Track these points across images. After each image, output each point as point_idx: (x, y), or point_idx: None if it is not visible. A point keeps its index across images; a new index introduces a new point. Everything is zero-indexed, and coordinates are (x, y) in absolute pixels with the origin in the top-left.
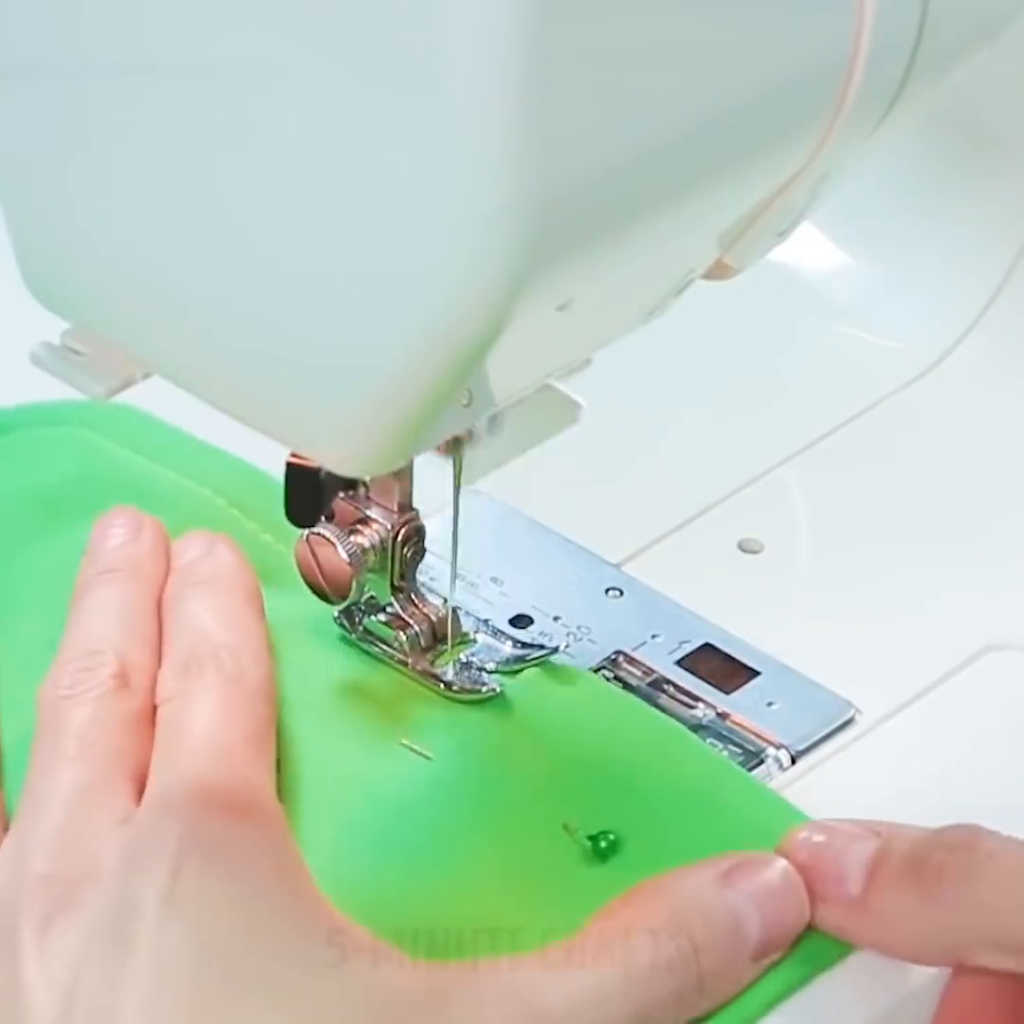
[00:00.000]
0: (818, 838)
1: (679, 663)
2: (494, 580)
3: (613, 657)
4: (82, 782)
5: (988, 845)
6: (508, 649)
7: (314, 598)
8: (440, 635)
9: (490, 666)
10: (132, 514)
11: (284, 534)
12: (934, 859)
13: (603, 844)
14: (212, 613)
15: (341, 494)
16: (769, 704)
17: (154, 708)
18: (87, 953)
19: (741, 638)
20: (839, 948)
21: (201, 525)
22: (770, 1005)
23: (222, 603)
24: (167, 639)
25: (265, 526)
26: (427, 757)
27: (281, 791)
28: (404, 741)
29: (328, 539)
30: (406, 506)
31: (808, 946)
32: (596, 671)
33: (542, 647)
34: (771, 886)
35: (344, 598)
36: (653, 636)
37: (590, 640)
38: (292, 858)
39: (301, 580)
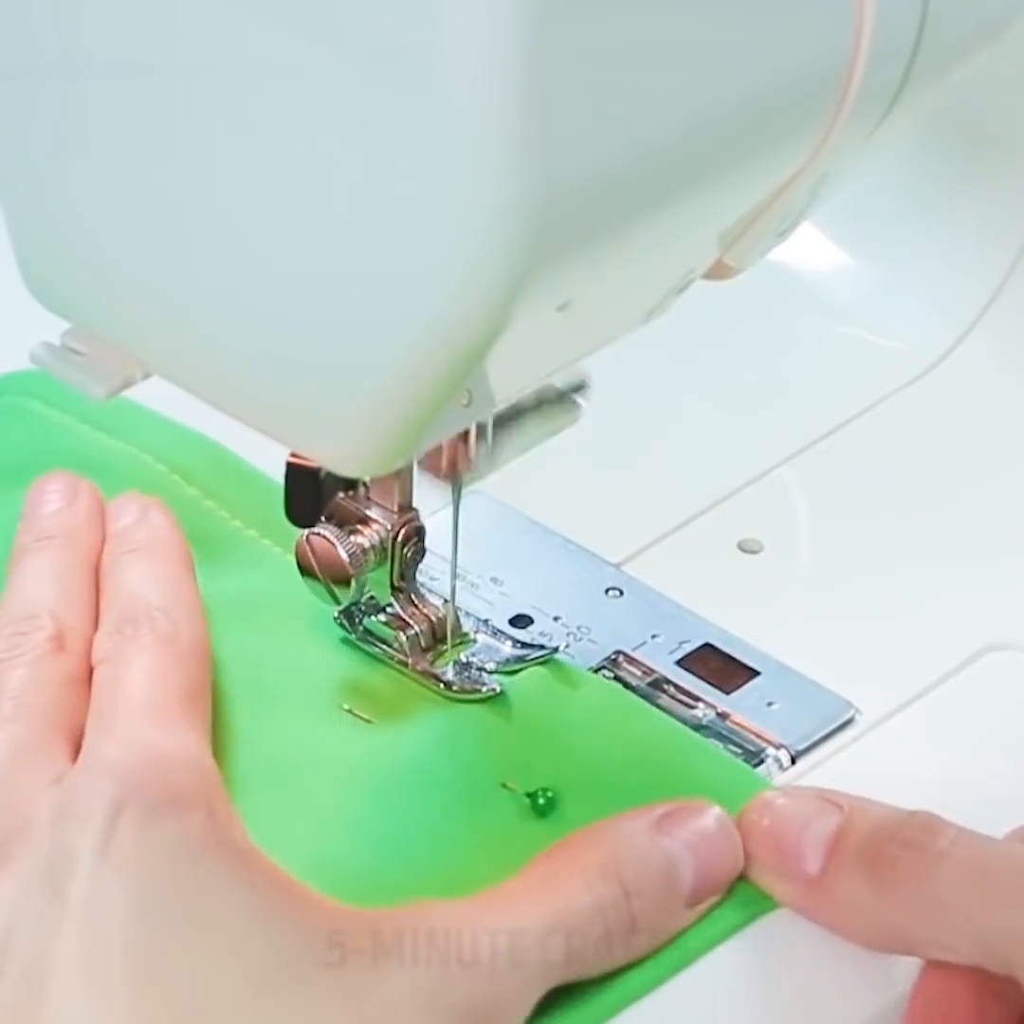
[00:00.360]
0: (781, 802)
1: (679, 663)
2: (494, 580)
3: (613, 657)
4: (17, 742)
5: (942, 843)
6: (508, 649)
7: (258, 567)
8: (440, 635)
9: (490, 666)
10: (67, 479)
11: (226, 500)
12: (889, 853)
13: (541, 800)
14: (148, 579)
15: (341, 494)
16: (769, 704)
17: (90, 671)
18: (21, 906)
19: (741, 638)
20: None
21: (143, 491)
22: (707, 948)
23: (157, 569)
24: (104, 605)
25: (207, 492)
26: (368, 721)
27: (223, 757)
28: (345, 706)
29: (328, 539)
30: (406, 506)
31: (744, 891)
32: (596, 671)
33: (542, 647)
34: (705, 832)
35: (344, 597)
36: (653, 636)
37: (590, 640)
38: (226, 814)
39: (242, 546)
